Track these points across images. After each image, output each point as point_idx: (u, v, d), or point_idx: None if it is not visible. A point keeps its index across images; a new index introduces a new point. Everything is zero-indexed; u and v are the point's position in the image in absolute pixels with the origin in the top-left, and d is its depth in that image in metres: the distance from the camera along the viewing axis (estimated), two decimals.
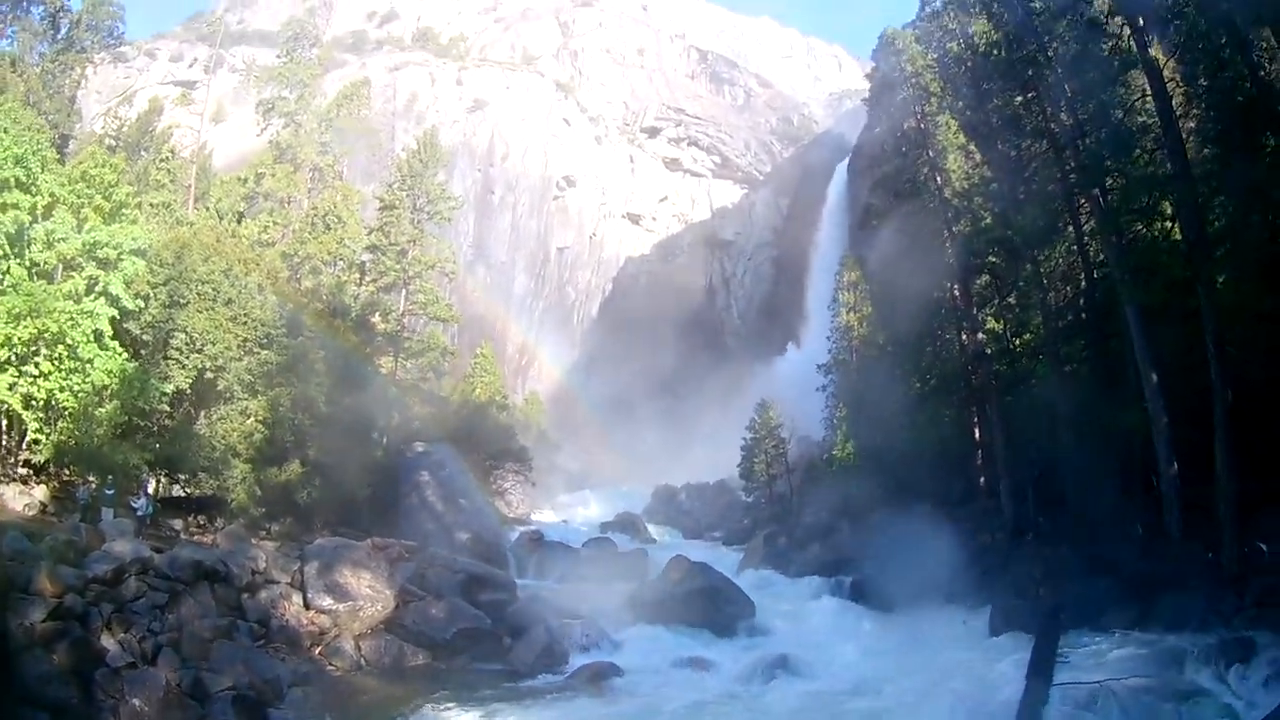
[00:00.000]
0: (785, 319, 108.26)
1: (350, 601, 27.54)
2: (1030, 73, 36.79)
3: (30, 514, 29.81)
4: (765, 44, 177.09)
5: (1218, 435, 26.91)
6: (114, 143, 54.16)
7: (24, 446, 32.11)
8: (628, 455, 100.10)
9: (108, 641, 20.51)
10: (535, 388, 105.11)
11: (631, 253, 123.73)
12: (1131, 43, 30.18)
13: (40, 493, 31.65)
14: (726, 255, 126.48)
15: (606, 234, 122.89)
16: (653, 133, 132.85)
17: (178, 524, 34.68)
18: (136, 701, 19.30)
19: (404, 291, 55.07)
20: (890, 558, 41.06)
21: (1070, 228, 37.82)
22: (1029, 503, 39.63)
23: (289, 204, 51.75)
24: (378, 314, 54.69)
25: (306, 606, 27.20)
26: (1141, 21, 29.78)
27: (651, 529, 67.78)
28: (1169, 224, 33.27)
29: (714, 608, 33.92)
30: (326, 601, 27.34)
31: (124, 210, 34.93)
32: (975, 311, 43.84)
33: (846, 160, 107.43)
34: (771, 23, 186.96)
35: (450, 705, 22.96)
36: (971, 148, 45.54)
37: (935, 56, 45.21)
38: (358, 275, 54.31)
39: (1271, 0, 26.42)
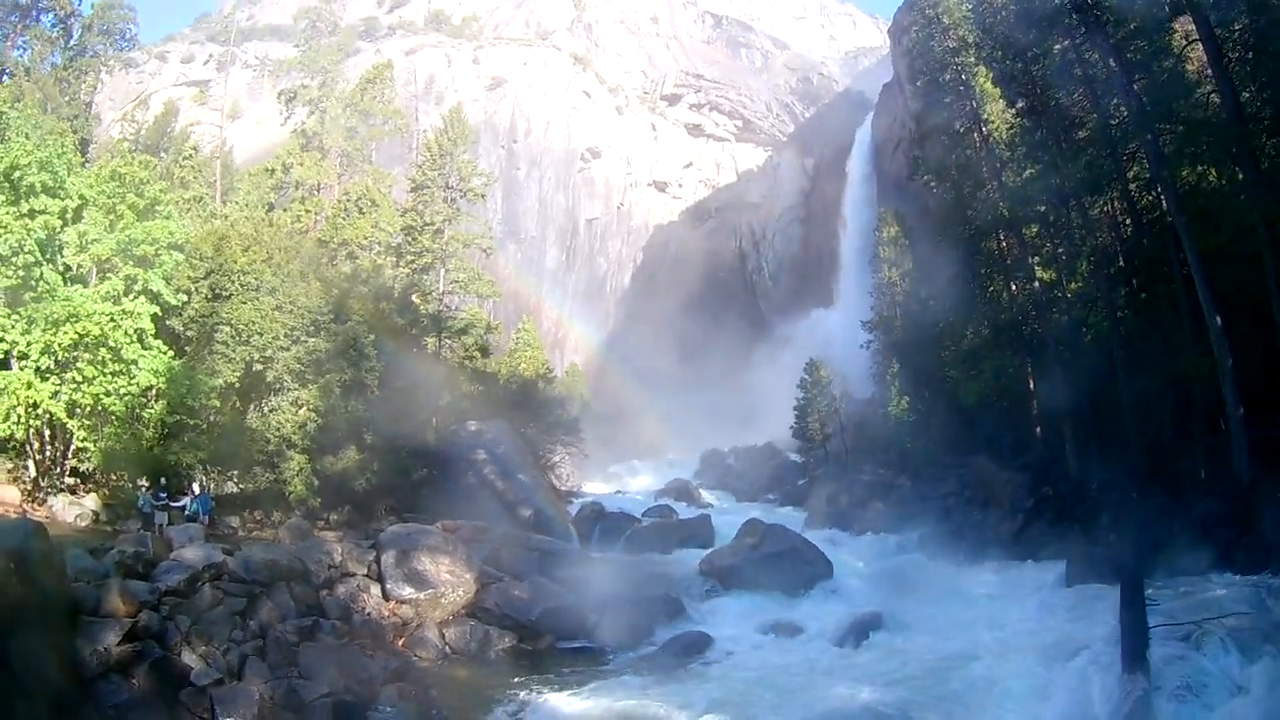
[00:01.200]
0: (817, 278, 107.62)
1: (431, 589, 26.90)
2: (1072, 20, 35.86)
3: (83, 524, 29.03)
4: (778, 5, 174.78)
5: None
6: (132, 146, 53.54)
7: (70, 455, 31.06)
8: (668, 422, 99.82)
9: (189, 658, 19.58)
10: (573, 360, 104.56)
11: (660, 220, 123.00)
12: None
13: (91, 501, 30.76)
14: (755, 218, 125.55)
15: (634, 203, 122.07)
16: (673, 100, 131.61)
17: (234, 522, 34.08)
18: None
19: (442, 271, 54.47)
20: (955, 512, 40.60)
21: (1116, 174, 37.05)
22: (1092, 450, 38.90)
23: (319, 191, 51.05)
24: (416, 294, 54.06)
25: (386, 598, 26.55)
26: None
27: (704, 494, 67.52)
28: (1224, 168, 32.68)
29: (793, 569, 33.21)
30: (407, 591, 26.70)
31: (158, 206, 33.84)
32: (1029, 259, 42.79)
33: (870, 117, 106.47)
34: None
35: (547, 689, 22.34)
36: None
37: (971, 6, 44.15)
38: (394, 258, 53.66)
39: None
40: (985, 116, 43.98)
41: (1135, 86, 32.95)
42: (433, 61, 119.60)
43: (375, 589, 26.66)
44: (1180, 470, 31.69)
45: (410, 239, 53.23)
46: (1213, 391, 30.39)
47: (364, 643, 23.59)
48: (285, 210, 48.60)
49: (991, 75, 44.56)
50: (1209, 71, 33.43)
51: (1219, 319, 29.15)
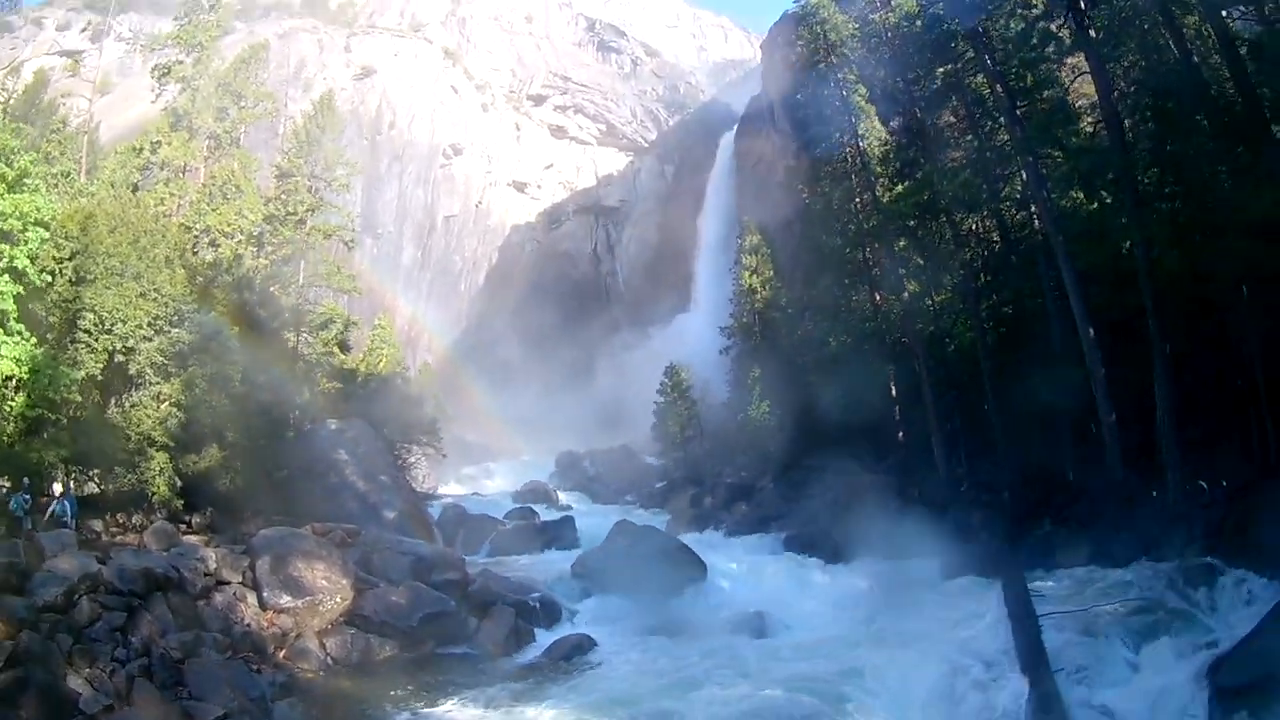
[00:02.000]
0: (673, 284, 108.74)
1: (308, 596, 25.74)
2: (960, 45, 37.29)
3: None
4: (651, 12, 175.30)
5: (1158, 384, 28.22)
6: (0, 114, 49.63)
7: None
8: (522, 424, 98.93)
9: (75, 682, 17.95)
10: (426, 359, 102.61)
11: (517, 221, 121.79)
12: (1071, 22, 31.07)
13: None
14: (611, 222, 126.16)
15: (492, 202, 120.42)
16: (539, 100, 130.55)
17: (97, 525, 31.49)
18: None
19: (302, 263, 52.67)
20: (820, 513, 41.54)
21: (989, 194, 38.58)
22: (959, 454, 40.38)
23: (185, 173, 48.35)
24: (276, 286, 51.99)
25: (263, 607, 25.27)
26: (1083, 4, 30.61)
27: (562, 496, 67.28)
28: (1093, 193, 34.30)
29: (668, 571, 33.17)
30: (284, 599, 25.48)
31: (26, 179, 30.77)
32: (898, 271, 44.24)
33: (734, 129, 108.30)
34: None
35: (438, 699, 21.84)
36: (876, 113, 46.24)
37: (857, 25, 45.40)
38: (254, 247, 51.44)
39: None
40: (861, 132, 45.19)
41: (1019, 112, 34.35)
42: (305, 46, 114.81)
43: (252, 597, 25.39)
44: (1049, 473, 33.22)
45: (273, 228, 51.24)
46: (1080, 400, 31.91)
47: (248, 656, 22.44)
48: (150, 192, 45.75)
49: (868, 93, 45.92)
50: (1081, 104, 35.52)
51: (1092, 331, 30.70)
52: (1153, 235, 28.41)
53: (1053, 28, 32.09)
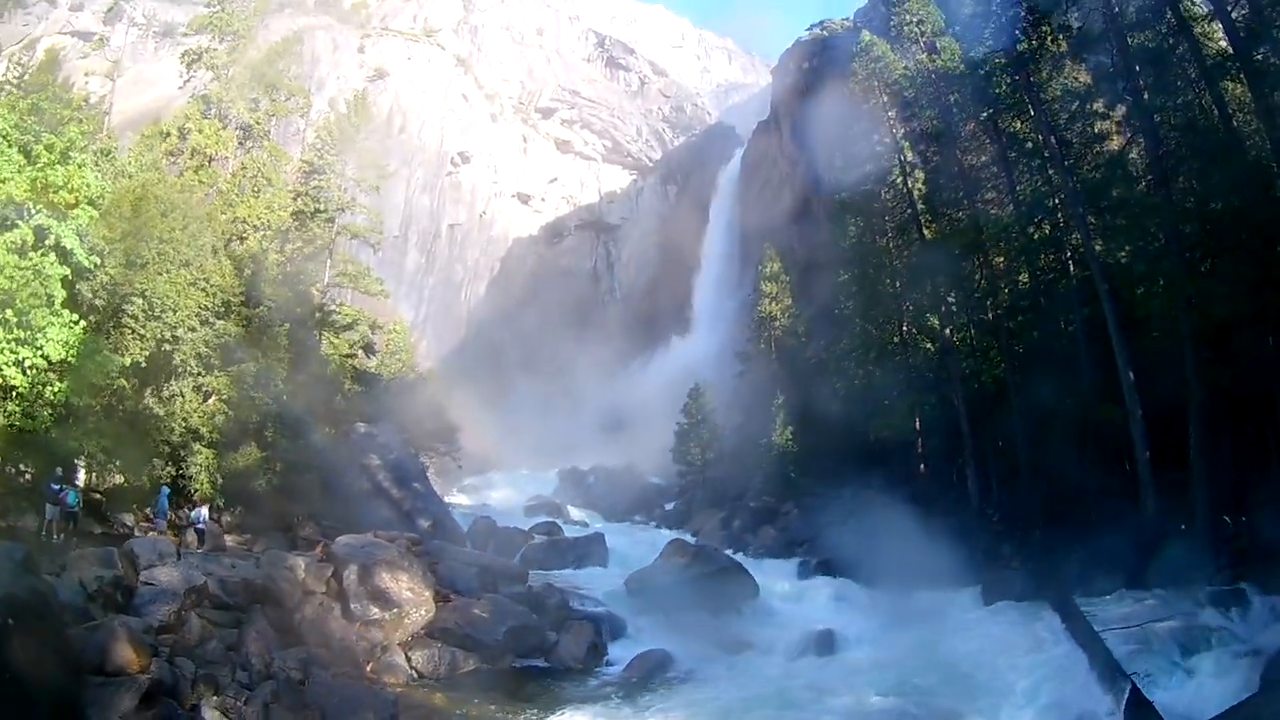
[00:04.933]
0: (671, 305, 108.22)
1: (395, 608, 24.97)
2: (1017, 99, 37.84)
3: None
4: (658, 32, 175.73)
5: (1193, 425, 29.15)
6: (15, 89, 47.79)
7: None
8: (515, 437, 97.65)
9: (209, 714, 16.47)
10: (427, 365, 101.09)
11: (520, 233, 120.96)
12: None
13: None
14: (612, 240, 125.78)
15: (497, 213, 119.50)
16: (547, 113, 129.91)
17: (128, 520, 30.49)
18: None
19: (328, 262, 51.44)
20: (849, 538, 41.14)
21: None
22: (991, 485, 40.57)
23: (213, 163, 46.98)
24: (304, 285, 50.70)
25: (350, 619, 24.31)
26: (1137, 66, 31.79)
27: (574, 512, 66.20)
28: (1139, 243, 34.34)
29: (725, 589, 33.08)
30: (373, 611, 24.64)
31: (71, 153, 28.51)
32: (942, 308, 44.08)
33: (739, 152, 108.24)
34: (664, 11, 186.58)
35: (539, 714, 21.08)
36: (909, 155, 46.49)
37: (907, 66, 45.56)
38: (279, 243, 50.10)
39: (1240, 55, 28.90)
40: (910, 172, 45.42)
41: (1067, 164, 35.00)
42: (319, 45, 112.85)
43: (337, 609, 24.40)
44: (1077, 506, 33.54)
45: (299, 224, 50.06)
46: (1109, 436, 32.87)
47: (348, 672, 21.33)
48: (178, 179, 44.38)
49: (904, 131, 46.14)
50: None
51: (1131, 375, 31.44)
52: (1200, 287, 28.99)
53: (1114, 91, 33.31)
